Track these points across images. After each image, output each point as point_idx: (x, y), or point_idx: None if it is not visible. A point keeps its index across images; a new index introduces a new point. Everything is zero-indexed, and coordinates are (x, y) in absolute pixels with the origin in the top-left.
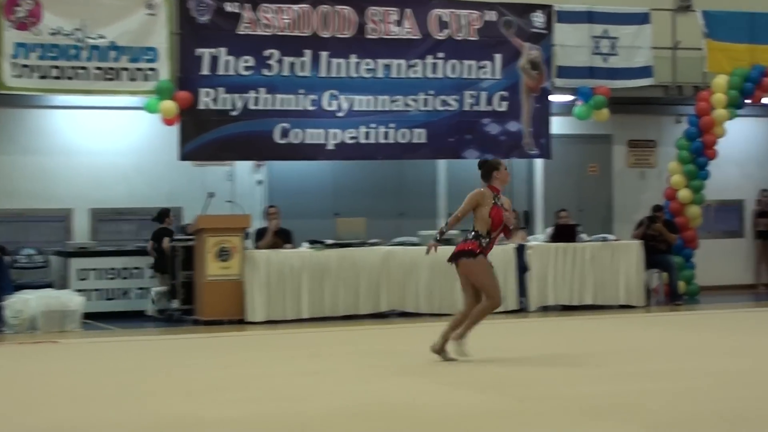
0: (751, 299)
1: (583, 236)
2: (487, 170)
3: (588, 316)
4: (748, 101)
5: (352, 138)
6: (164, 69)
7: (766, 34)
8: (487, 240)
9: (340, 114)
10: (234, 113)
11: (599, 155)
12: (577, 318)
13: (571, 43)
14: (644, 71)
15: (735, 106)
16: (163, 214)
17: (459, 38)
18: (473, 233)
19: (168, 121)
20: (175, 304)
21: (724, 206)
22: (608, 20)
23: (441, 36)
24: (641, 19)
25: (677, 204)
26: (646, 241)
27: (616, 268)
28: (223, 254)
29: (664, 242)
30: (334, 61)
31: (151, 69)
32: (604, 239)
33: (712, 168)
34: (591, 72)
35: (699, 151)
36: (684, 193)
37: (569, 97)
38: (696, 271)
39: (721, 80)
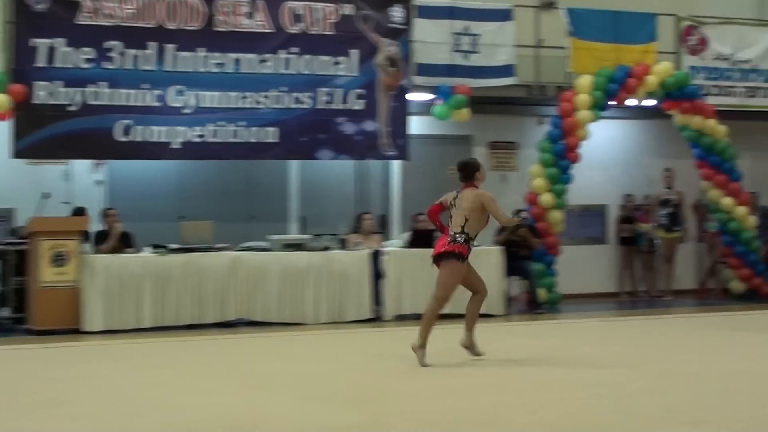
0: (614, 308)
1: None
2: (470, 171)
3: (446, 326)
4: (612, 103)
5: (200, 136)
6: None
7: (632, 33)
8: (473, 243)
9: (186, 111)
10: (72, 108)
11: (459, 157)
12: (433, 327)
13: (431, 40)
14: (506, 70)
15: (599, 107)
16: (77, 214)
17: (313, 32)
18: (464, 235)
19: (0, 116)
20: (6, 312)
21: (587, 211)
22: (470, 16)
23: (294, 30)
24: (504, 15)
25: (539, 209)
26: (507, 246)
27: None
28: (59, 259)
29: (526, 248)
30: (181, 54)
31: None
32: None
33: (575, 172)
34: (451, 70)
35: (562, 154)
36: (546, 198)
37: (428, 96)
38: (558, 279)
39: (585, 80)
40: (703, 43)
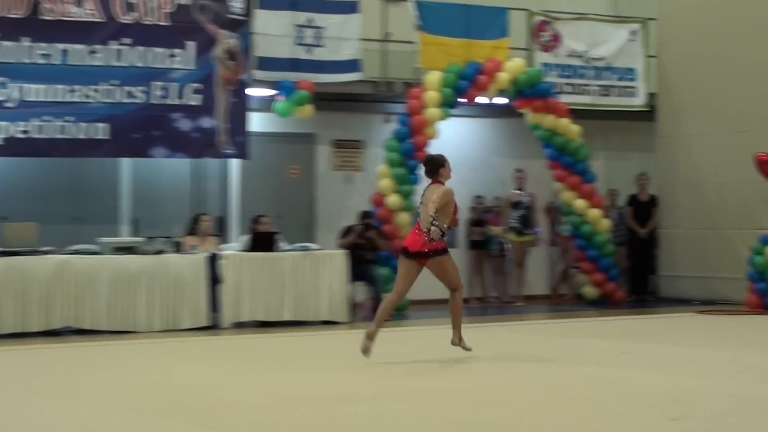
0: (463, 314)
1: (283, 245)
2: (435, 167)
3: (287, 333)
4: (462, 100)
5: (23, 132)
6: None
7: (483, 28)
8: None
9: (9, 104)
10: None
11: (301, 156)
12: (275, 335)
13: (273, 32)
14: (352, 65)
15: (448, 105)
16: None
17: (148, 23)
18: (438, 232)
19: None
20: None
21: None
22: (313, 8)
23: (127, 19)
24: (350, 8)
25: (385, 210)
26: (352, 250)
27: (318, 281)
28: None
29: (372, 252)
30: (3, 44)
31: None
32: (306, 249)
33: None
34: (294, 64)
35: (409, 154)
36: (393, 199)
37: (270, 92)
38: None
39: (434, 77)
40: (556, 39)
